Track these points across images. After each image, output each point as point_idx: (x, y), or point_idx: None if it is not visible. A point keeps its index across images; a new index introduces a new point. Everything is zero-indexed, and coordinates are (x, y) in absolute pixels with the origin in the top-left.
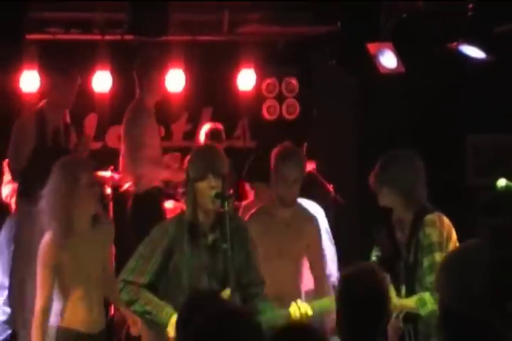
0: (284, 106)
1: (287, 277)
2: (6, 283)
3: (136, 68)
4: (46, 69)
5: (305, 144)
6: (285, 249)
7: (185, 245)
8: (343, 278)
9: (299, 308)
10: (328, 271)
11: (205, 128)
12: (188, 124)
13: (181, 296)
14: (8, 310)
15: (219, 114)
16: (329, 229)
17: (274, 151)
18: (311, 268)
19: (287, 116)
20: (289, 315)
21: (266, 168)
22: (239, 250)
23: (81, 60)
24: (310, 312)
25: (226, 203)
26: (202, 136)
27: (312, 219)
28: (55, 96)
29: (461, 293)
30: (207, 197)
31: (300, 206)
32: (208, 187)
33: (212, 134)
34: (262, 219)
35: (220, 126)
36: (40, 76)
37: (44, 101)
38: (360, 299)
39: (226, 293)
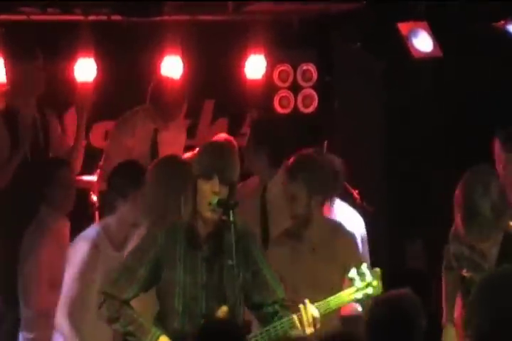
0: (299, 98)
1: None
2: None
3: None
4: (12, 54)
5: (325, 142)
6: (316, 279)
7: (179, 257)
8: (373, 301)
9: (304, 313)
10: None
11: (221, 135)
12: (187, 119)
13: (175, 322)
14: (29, 335)
15: (223, 108)
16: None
17: (289, 160)
18: None
19: (303, 109)
20: (293, 323)
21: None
22: (243, 264)
23: (60, 44)
24: (316, 315)
25: (231, 212)
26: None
27: (345, 237)
28: (24, 84)
29: (495, 316)
30: (206, 202)
31: (329, 222)
32: (210, 191)
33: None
34: (286, 243)
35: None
36: (9, 64)
37: (8, 94)
38: (385, 322)
39: (223, 309)
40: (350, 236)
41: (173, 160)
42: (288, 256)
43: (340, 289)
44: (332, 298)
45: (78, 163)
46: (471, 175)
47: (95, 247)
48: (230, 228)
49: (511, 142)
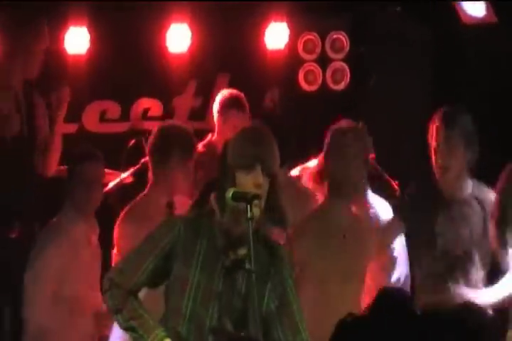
0: (328, 72)
1: (354, 308)
2: None
3: None
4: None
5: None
6: (349, 270)
7: (197, 254)
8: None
9: None
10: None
11: (221, 95)
12: (197, 98)
13: (180, 326)
14: None
15: (239, 83)
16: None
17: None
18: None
19: (333, 86)
20: None
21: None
22: (271, 289)
23: (48, 11)
24: None
25: (249, 207)
26: (216, 107)
27: (372, 220)
28: (15, 62)
29: None
30: None
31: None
32: (252, 184)
33: (232, 103)
34: (313, 228)
35: (241, 94)
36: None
37: None
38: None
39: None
40: (376, 220)
41: None
42: (314, 245)
43: (364, 280)
44: None
45: (55, 156)
46: None
47: None
48: (249, 227)
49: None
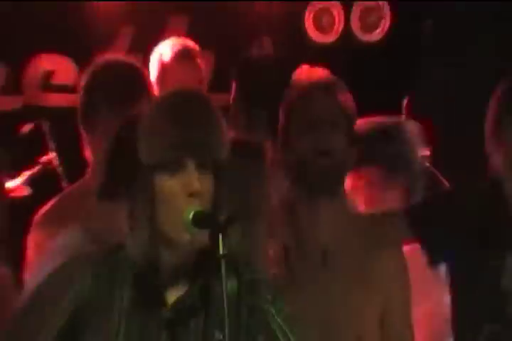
0: (354, 15)
1: None
2: None
3: None
4: None
5: (405, 100)
6: (332, 316)
7: (118, 315)
8: None
9: None
10: None
11: (167, 46)
12: (135, 54)
13: None
14: None
15: (204, 32)
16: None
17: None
18: None
19: (361, 36)
20: None
21: None
22: None
23: None
24: None
25: (221, 237)
26: (153, 71)
27: (389, 243)
28: None
29: None
30: (175, 214)
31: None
32: (182, 194)
33: (174, 55)
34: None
35: (193, 45)
36: None
37: None
38: None
39: None
40: (395, 245)
41: None
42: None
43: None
44: None
45: None
46: None
47: None
48: (221, 270)
49: None
